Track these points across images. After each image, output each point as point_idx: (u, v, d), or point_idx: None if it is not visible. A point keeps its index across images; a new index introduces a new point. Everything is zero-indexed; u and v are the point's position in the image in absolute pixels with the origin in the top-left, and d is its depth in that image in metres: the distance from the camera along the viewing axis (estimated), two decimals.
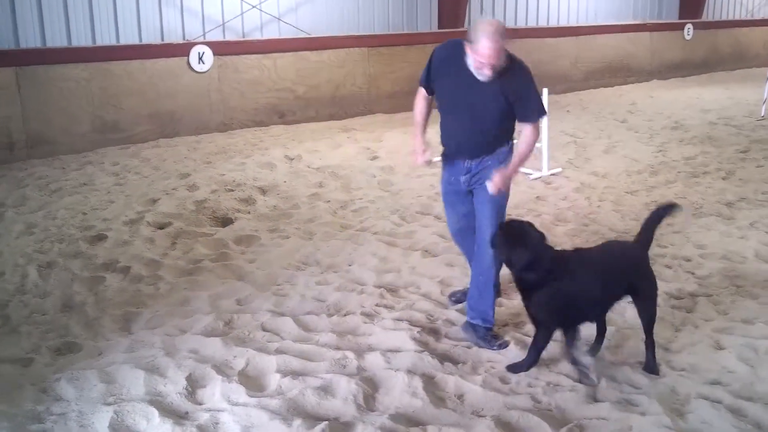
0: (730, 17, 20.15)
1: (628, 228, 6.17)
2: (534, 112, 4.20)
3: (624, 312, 4.44)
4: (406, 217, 6.69)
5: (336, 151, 9.36)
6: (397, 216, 6.69)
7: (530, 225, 3.88)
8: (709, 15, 19.46)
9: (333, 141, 9.97)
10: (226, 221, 6.56)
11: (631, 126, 10.98)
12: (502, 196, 4.30)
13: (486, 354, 4.09)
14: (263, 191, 7.44)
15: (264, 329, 4.42)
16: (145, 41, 10.86)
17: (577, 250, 4.02)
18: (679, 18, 18.54)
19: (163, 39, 11.06)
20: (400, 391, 3.67)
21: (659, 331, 4.26)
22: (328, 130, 10.90)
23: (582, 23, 16.45)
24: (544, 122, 7.95)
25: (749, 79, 16.20)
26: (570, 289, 3.71)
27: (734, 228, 6.14)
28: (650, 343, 3.92)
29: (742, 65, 18.74)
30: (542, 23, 16.20)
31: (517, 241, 3.75)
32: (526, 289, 3.81)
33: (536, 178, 7.93)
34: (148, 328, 4.48)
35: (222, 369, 3.92)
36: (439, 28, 14.19)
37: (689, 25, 17.69)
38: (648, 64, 16.84)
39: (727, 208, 6.68)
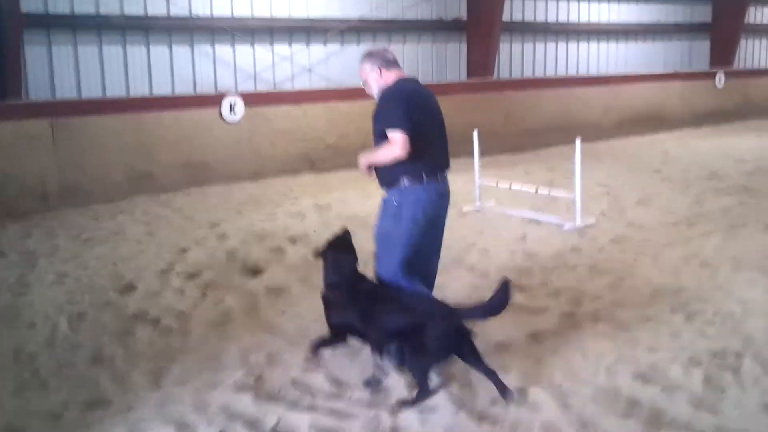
0: (762, 66, 20.05)
1: (665, 282, 6.03)
2: (383, 123, 4.45)
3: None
4: (439, 270, 6.57)
5: (366, 201, 9.34)
6: None
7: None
8: (740, 64, 19.39)
9: (363, 190, 9.95)
10: (256, 271, 6.53)
11: (665, 176, 10.85)
12: (380, 227, 4.62)
13: (524, 415, 3.95)
14: (293, 241, 7.42)
15: (295, 385, 4.33)
16: (178, 92, 11.05)
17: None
18: (711, 67, 18.50)
19: (195, 90, 11.25)
20: None
21: (705, 393, 4.11)
22: (358, 179, 10.89)
23: (612, 72, 16.47)
24: (576, 171, 7.90)
25: None
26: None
27: None
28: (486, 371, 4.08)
29: None
30: (572, 72, 16.26)
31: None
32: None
33: (569, 229, 7.82)
34: (178, 382, 4.42)
35: (253, 426, 3.83)
36: (468, 77, 14.29)
37: (720, 74, 17.63)
38: (680, 113, 16.75)
39: None
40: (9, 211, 8.75)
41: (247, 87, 11.76)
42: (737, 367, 4.46)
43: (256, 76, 11.87)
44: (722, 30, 18.43)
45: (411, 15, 13.58)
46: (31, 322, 5.38)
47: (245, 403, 4.09)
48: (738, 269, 6.34)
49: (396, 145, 4.37)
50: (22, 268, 6.75)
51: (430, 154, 4.54)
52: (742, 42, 19.21)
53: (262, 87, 11.99)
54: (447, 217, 4.83)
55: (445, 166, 4.70)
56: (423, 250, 4.64)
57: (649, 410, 3.98)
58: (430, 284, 4.91)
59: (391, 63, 4.72)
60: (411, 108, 4.43)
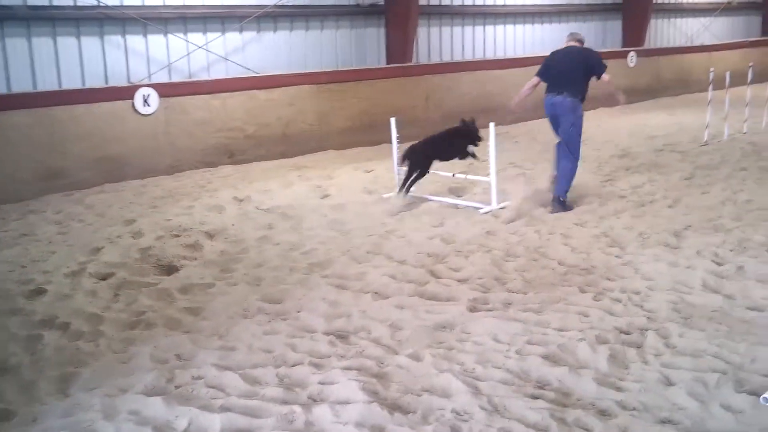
0: (672, 44, 20.68)
1: (575, 262, 6.18)
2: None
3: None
4: (356, 257, 6.60)
5: (287, 191, 9.26)
6: (347, 257, 6.60)
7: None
8: (651, 43, 19.95)
9: (284, 180, 9.88)
10: (171, 269, 6.39)
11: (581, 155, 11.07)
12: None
13: (436, 402, 3.99)
14: (211, 236, 7.29)
15: (208, 385, 4.26)
16: (88, 85, 10.68)
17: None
18: (623, 46, 18.97)
19: (107, 82, 10.89)
20: None
21: (610, 369, 4.24)
22: (278, 168, 10.80)
23: (529, 54, 16.69)
24: (491, 155, 8.01)
25: (692, 104, 16.58)
26: None
27: (681, 257, 6.19)
28: None
29: (684, 91, 19.19)
30: (489, 55, 16.42)
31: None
32: None
33: (486, 212, 7.93)
34: (86, 389, 4.29)
35: (163, 431, 3.76)
36: (387, 63, 14.27)
37: (632, 53, 18.10)
38: (593, 92, 17.07)
39: (674, 237, 6.74)
40: None
41: (162, 77, 11.44)
42: (640, 342, 4.62)
43: (170, 66, 11.56)
44: (633, 10, 18.93)
45: (329, 0, 13.45)
46: None
47: (156, 406, 4.00)
48: (644, 246, 6.55)
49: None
50: None
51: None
52: (653, 22, 19.77)
53: (177, 77, 11.69)
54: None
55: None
56: None
57: (557, 390, 4.08)
58: None
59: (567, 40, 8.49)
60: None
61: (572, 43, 8.30)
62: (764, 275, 5.65)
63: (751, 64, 12.93)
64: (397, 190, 8.35)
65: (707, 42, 21.04)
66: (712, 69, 12.29)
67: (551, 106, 8.09)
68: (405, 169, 8.26)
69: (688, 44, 20.78)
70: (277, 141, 11.84)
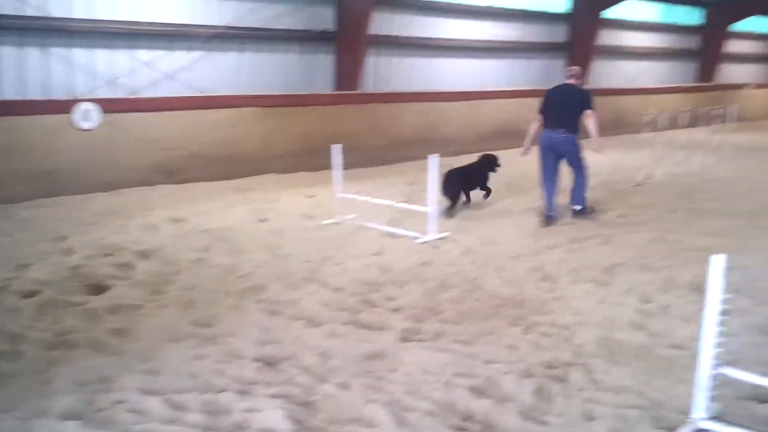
0: (611, 85, 21.32)
1: (508, 295, 6.26)
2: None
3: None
4: (292, 283, 6.55)
5: (226, 213, 9.17)
6: (282, 282, 6.54)
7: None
8: (594, 83, 20.49)
9: (224, 202, 9.79)
10: (100, 289, 6.23)
11: (520, 188, 11.30)
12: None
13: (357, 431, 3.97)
14: (144, 256, 7.15)
15: (130, 410, 4.15)
16: (29, 97, 10.43)
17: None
18: None
19: (49, 95, 10.66)
20: None
21: (535, 402, 4.29)
22: (219, 190, 10.70)
23: (474, 88, 16.97)
24: (429, 185, 8.10)
25: (629, 144, 17.06)
26: None
27: (611, 294, 6.33)
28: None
29: (621, 131, 19.75)
30: (436, 87, 16.61)
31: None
32: None
33: (424, 242, 7.98)
34: (2, 411, 4.13)
35: None
36: (335, 89, 14.34)
37: None
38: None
39: (605, 274, 6.89)
40: None
41: (105, 93, 11.25)
42: (565, 376, 4.69)
43: (115, 81, 11.38)
44: (578, 50, 19.50)
45: (279, 24, 13.45)
46: None
47: (72, 431, 3.87)
48: (576, 282, 6.68)
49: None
50: None
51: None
52: (595, 63, 20.34)
53: (122, 93, 11.51)
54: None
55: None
56: None
57: (482, 422, 4.11)
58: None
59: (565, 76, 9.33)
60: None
61: (570, 81, 9.12)
62: (688, 314, 5.80)
63: (687, 108, 13.43)
64: (444, 214, 9.12)
65: (645, 85, 21.78)
66: (649, 111, 12.70)
67: (549, 140, 8.97)
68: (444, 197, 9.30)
69: (627, 86, 21.45)
70: (219, 162, 11.74)
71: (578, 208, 9.21)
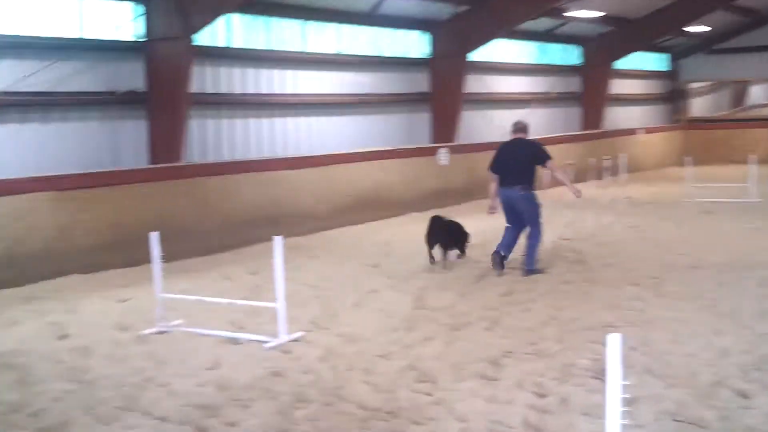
0: (483, 140, 22.31)
1: (378, 404, 6.27)
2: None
3: None
4: (102, 417, 6.26)
5: (10, 331, 8.72)
6: (90, 417, 6.25)
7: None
8: (462, 136, 21.34)
9: (7, 317, 9.30)
10: None
11: (385, 271, 11.50)
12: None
13: None
14: None
15: None
16: None
17: None
18: (432, 142, 20.21)
19: None
20: None
21: None
22: (1, 302, 10.17)
23: (324, 152, 17.23)
24: (277, 276, 8.07)
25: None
26: None
27: (500, 390, 6.48)
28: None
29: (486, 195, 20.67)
30: (278, 153, 16.77)
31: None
32: None
33: (273, 347, 7.90)
34: None
35: None
36: (150, 163, 14.15)
37: (444, 149, 19.23)
38: (402, 195, 17.93)
39: (492, 367, 7.06)
40: None
41: None
42: None
43: None
44: (442, 101, 20.33)
45: (72, 86, 13.23)
46: None
47: None
48: (458, 379, 6.80)
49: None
50: None
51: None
52: (464, 114, 21.21)
53: None
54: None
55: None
56: None
57: None
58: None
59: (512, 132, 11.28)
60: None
61: (518, 135, 11.08)
62: (590, 406, 6.03)
63: (571, 161, 14.24)
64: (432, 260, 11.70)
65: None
66: None
67: (508, 198, 10.87)
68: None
69: (501, 139, 22.51)
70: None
71: (530, 269, 10.76)
